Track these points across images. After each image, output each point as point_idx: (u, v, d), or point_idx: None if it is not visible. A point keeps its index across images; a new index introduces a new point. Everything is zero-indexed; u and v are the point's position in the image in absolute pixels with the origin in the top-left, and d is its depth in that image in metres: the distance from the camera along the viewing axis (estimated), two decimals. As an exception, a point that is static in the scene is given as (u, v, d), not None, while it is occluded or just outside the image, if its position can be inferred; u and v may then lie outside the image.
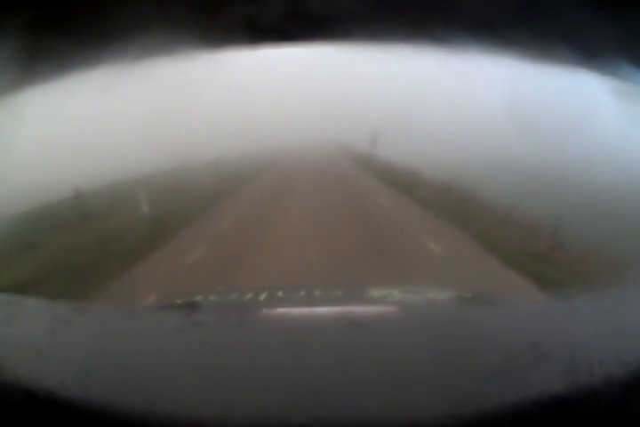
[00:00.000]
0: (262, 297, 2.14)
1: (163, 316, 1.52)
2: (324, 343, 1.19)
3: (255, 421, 0.90)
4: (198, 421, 0.90)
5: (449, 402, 0.92)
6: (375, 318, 1.55)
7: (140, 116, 15.04)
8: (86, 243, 8.46)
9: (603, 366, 0.96)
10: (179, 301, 1.90)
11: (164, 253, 8.14)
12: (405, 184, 17.78)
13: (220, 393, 1.00)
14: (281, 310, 1.82)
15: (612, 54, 1.48)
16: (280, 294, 2.27)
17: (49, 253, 7.51)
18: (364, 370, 1.05)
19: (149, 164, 14.77)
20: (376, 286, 2.59)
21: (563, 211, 8.04)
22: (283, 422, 0.89)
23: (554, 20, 1.46)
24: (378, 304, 1.98)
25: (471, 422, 0.88)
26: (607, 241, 6.47)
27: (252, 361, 1.11)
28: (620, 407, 0.91)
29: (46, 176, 10.97)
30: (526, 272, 6.50)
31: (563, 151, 9.39)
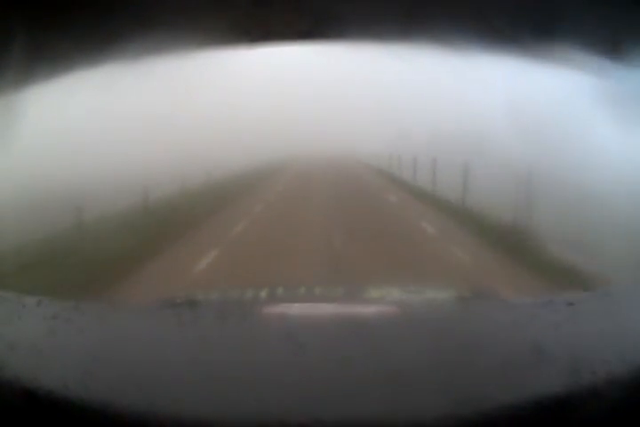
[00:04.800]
0: (262, 295, 2.14)
1: (163, 314, 1.52)
2: (323, 343, 1.19)
3: (255, 421, 0.90)
4: (198, 420, 0.90)
5: (449, 402, 0.91)
6: (375, 318, 1.55)
7: (140, 116, 15.04)
8: (97, 241, 8.39)
9: (605, 365, 0.96)
10: (179, 299, 1.89)
11: (173, 254, 8.07)
12: (409, 185, 17.91)
13: (220, 393, 1.00)
14: (281, 308, 1.82)
15: (613, 54, 1.48)
16: (280, 292, 2.27)
17: (56, 254, 7.42)
18: (364, 370, 1.05)
19: (150, 164, 14.77)
20: (376, 285, 2.59)
21: (562, 211, 8.04)
22: (283, 423, 0.89)
23: (554, 19, 1.46)
24: (378, 304, 1.98)
25: (472, 422, 0.88)
26: (606, 242, 6.47)
27: (251, 360, 1.11)
28: (622, 407, 0.91)
29: (46, 175, 10.98)
30: (526, 273, 6.51)
31: (562, 152, 9.40)
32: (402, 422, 0.90)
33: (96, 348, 1.18)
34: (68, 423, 0.92)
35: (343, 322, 1.44)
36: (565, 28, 1.45)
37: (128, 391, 1.00)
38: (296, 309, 1.81)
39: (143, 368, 1.11)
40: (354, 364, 1.08)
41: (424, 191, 15.95)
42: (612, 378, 0.93)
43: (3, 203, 7.67)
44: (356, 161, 31.28)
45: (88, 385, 0.98)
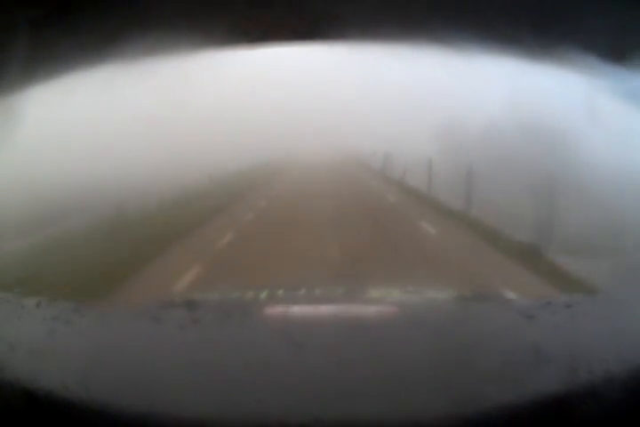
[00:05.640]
0: (263, 296, 2.13)
1: (162, 315, 1.52)
2: (323, 343, 1.19)
3: (255, 421, 0.90)
4: (198, 420, 0.91)
5: (449, 402, 0.92)
6: (375, 319, 1.55)
7: (140, 116, 15.05)
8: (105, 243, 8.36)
9: (602, 364, 0.97)
10: (178, 300, 1.89)
11: (176, 255, 7.97)
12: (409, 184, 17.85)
13: (220, 393, 1.00)
14: (281, 309, 1.82)
15: (613, 54, 1.48)
16: (280, 292, 2.26)
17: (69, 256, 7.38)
18: (364, 370, 1.06)
19: (150, 164, 14.78)
20: (376, 285, 2.59)
21: (562, 212, 8.05)
22: (283, 423, 0.89)
23: (554, 18, 1.46)
24: (378, 304, 1.98)
25: (471, 422, 0.88)
26: (605, 243, 6.47)
27: (251, 361, 1.11)
28: (620, 407, 0.91)
29: (46, 175, 10.99)
30: (526, 273, 6.51)
31: (563, 153, 9.41)
32: (402, 421, 0.90)
33: (96, 349, 1.18)
34: (67, 424, 0.92)
35: (343, 323, 1.44)
36: (566, 28, 1.45)
37: (128, 392, 1.00)
38: (296, 310, 1.81)
39: (143, 369, 1.11)
40: (354, 364, 1.08)
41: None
42: (609, 377, 0.93)
43: (2, 201, 7.68)
44: (357, 163, 31.24)
45: (88, 386, 0.98)
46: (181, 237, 8.69)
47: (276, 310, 1.82)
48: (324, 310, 1.79)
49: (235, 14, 1.49)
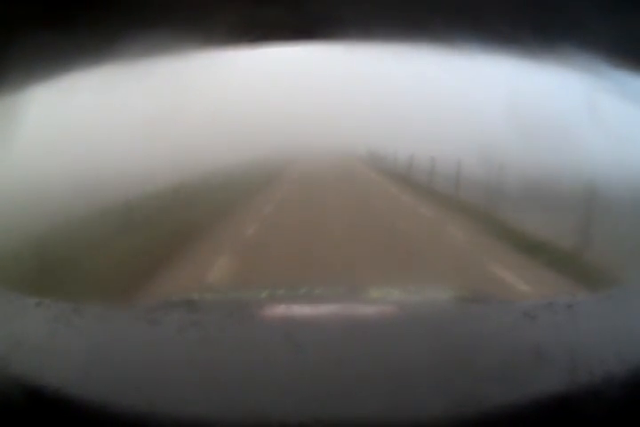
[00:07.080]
0: (263, 296, 2.13)
1: (163, 314, 1.52)
2: (323, 343, 1.19)
3: (255, 421, 0.90)
4: (198, 420, 0.90)
5: (449, 402, 0.91)
6: (375, 318, 1.55)
7: (140, 117, 15.05)
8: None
9: (603, 365, 0.97)
10: (178, 300, 1.89)
11: (186, 261, 7.78)
12: (414, 183, 17.86)
13: (220, 393, 1.00)
14: (281, 309, 1.82)
15: (615, 55, 1.48)
16: (280, 292, 2.27)
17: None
18: (364, 370, 1.05)
19: (150, 164, 14.78)
20: (376, 285, 2.59)
21: (561, 211, 8.04)
22: (283, 422, 0.89)
23: (556, 17, 1.46)
24: (378, 304, 1.98)
25: (471, 422, 0.88)
26: (605, 242, 6.47)
27: (251, 360, 1.11)
28: (621, 407, 0.91)
29: (45, 176, 11.00)
30: (526, 272, 6.51)
31: (563, 153, 9.40)
32: (401, 421, 0.90)
33: (96, 349, 1.18)
34: (67, 424, 0.92)
35: (343, 322, 1.44)
36: (567, 28, 1.45)
37: (128, 392, 1.00)
38: (296, 309, 1.81)
39: (143, 369, 1.11)
40: (354, 364, 1.08)
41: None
42: (610, 377, 0.93)
43: (2, 202, 7.69)
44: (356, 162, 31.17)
45: (88, 386, 0.98)
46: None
47: (275, 309, 1.82)
48: (324, 309, 1.79)
49: (235, 14, 1.49)
